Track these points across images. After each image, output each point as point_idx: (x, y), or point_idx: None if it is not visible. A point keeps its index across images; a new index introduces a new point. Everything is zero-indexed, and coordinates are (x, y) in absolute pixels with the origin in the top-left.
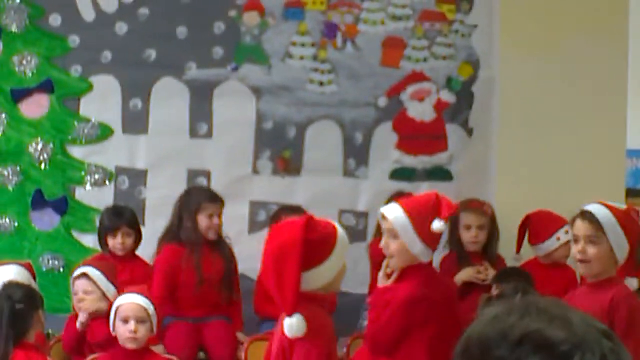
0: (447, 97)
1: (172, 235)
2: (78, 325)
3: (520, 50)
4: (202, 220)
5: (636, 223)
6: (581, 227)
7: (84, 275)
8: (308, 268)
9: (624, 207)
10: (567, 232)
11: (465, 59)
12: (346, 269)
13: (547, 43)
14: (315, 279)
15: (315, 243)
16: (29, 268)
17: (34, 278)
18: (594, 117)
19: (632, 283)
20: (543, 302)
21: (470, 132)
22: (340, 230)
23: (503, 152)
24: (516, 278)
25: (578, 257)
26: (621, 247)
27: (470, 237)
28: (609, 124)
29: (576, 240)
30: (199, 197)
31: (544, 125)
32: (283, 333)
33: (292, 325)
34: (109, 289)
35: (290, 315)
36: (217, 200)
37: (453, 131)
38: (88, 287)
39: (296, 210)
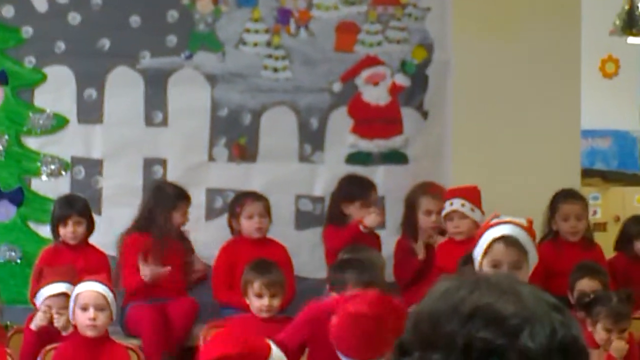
0: (402, 80)
1: (138, 226)
2: (33, 326)
3: (473, 33)
4: (177, 218)
5: (535, 234)
6: (505, 254)
7: (64, 294)
8: None
9: (524, 221)
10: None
11: (418, 42)
12: None
13: (500, 25)
14: None
15: None
16: None
17: None
18: (548, 99)
19: None
20: (493, 276)
21: (425, 115)
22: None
23: (458, 135)
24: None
25: None
26: (534, 263)
27: (431, 222)
28: (563, 105)
29: (497, 265)
30: (175, 196)
31: (498, 107)
32: None
33: None
34: None
35: None
36: (189, 199)
37: (408, 114)
38: (65, 303)
39: (255, 195)
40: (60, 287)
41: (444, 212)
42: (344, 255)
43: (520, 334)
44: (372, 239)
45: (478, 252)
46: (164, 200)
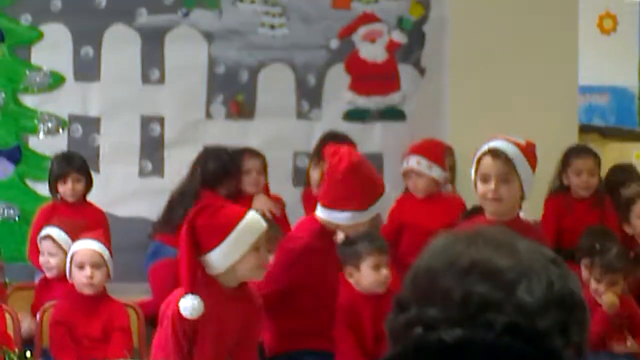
0: (399, 37)
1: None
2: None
3: None
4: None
5: (535, 157)
6: (492, 166)
7: (49, 236)
8: (201, 252)
9: (523, 141)
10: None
11: None
12: (263, 260)
13: None
14: (210, 264)
15: (204, 229)
16: None
17: None
18: (546, 55)
19: None
20: (490, 231)
21: (422, 71)
22: (249, 220)
23: (455, 91)
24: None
25: (490, 195)
26: (529, 183)
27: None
28: (561, 61)
29: (486, 179)
30: (215, 174)
31: (495, 64)
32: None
33: (184, 304)
34: None
35: (184, 294)
36: (234, 172)
37: (405, 71)
38: (52, 249)
39: (253, 151)
40: (45, 230)
41: (402, 170)
42: None
43: (517, 288)
44: None
45: (472, 169)
46: (205, 181)
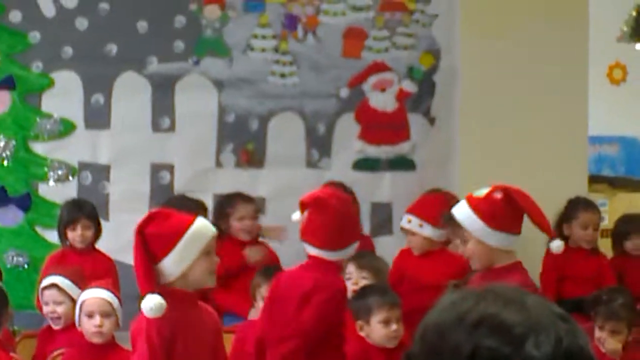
0: (409, 86)
1: None
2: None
3: (480, 39)
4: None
5: (493, 204)
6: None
7: (54, 285)
8: (155, 261)
9: (484, 192)
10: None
11: (426, 48)
12: (212, 267)
13: (507, 30)
14: (162, 273)
15: (152, 237)
16: None
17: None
18: (555, 104)
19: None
20: (499, 287)
21: (432, 121)
22: (197, 226)
23: (465, 141)
24: None
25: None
26: (488, 234)
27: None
28: (570, 111)
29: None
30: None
31: (505, 113)
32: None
33: (145, 304)
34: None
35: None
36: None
37: (415, 120)
38: (58, 297)
39: (246, 197)
40: (50, 279)
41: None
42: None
43: (525, 343)
44: (363, 241)
45: None
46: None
